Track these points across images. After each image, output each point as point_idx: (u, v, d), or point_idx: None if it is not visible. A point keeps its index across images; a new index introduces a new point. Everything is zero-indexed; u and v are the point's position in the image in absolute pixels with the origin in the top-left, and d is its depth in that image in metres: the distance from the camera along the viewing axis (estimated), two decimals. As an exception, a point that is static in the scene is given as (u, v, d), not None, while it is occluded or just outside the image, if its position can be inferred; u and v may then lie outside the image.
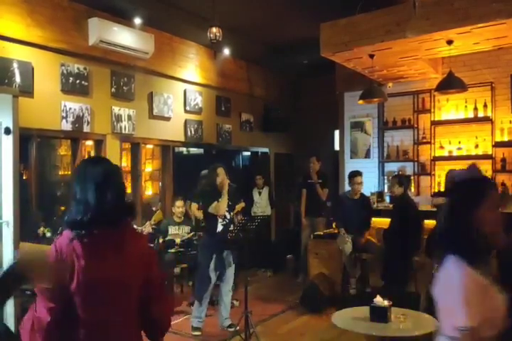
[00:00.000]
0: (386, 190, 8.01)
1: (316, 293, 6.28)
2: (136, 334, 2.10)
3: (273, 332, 5.56)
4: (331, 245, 6.56)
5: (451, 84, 6.33)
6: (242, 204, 5.87)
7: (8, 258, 1.95)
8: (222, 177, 5.44)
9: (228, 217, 5.51)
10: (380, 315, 3.98)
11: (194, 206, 7.05)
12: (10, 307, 2.58)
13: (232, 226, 5.45)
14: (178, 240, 6.70)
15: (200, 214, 6.83)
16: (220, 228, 5.45)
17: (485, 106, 7.37)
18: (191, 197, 7.12)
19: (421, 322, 4.07)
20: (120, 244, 2.02)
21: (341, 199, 6.87)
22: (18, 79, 5.57)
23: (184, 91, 8.06)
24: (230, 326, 5.52)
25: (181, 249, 6.64)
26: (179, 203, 6.90)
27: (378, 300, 4.05)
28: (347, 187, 7.17)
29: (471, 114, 7.48)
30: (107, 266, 1.97)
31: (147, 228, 5.06)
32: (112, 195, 1.97)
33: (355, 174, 6.58)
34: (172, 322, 5.88)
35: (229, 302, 5.69)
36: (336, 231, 6.79)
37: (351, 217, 6.41)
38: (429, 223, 6.17)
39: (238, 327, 5.22)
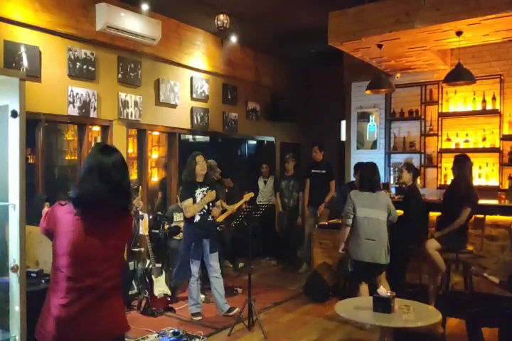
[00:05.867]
0: (392, 181, 7.98)
1: (319, 282, 6.29)
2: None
3: (276, 320, 5.58)
4: (335, 235, 6.54)
5: (459, 75, 6.25)
6: (250, 194, 5.83)
7: (15, 240, 1.96)
8: (201, 165, 5.40)
9: (206, 207, 5.46)
10: (383, 306, 3.97)
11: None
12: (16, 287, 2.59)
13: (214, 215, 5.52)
14: (182, 227, 6.70)
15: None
16: (197, 218, 5.41)
17: (493, 98, 7.31)
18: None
19: (425, 314, 4.07)
20: (107, 223, 2.37)
21: (346, 190, 6.83)
22: (25, 63, 5.56)
23: (191, 78, 8.03)
24: (229, 310, 5.50)
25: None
26: None
27: (382, 290, 4.05)
28: (352, 178, 7.12)
29: (479, 107, 7.43)
30: (91, 240, 2.30)
31: (140, 203, 5.04)
32: (113, 182, 2.31)
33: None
34: (176, 308, 5.94)
35: (221, 288, 5.57)
36: (340, 221, 6.77)
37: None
38: (434, 214, 6.20)
39: (238, 309, 5.26)
